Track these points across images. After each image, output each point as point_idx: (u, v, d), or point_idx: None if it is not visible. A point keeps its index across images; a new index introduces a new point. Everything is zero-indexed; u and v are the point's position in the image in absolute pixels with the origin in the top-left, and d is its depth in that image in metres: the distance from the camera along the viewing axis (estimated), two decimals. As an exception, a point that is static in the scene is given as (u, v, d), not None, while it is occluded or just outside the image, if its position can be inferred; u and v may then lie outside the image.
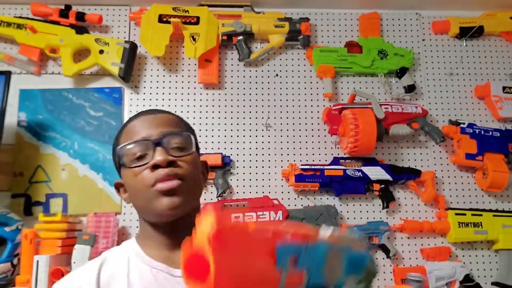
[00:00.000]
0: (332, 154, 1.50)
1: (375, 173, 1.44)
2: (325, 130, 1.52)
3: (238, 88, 1.55)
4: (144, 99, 1.52)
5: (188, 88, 1.54)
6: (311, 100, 1.55)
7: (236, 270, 0.38)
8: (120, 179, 0.74)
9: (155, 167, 0.66)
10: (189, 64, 1.55)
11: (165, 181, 0.65)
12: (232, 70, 1.56)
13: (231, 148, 1.49)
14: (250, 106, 1.53)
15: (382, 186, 1.44)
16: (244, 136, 1.51)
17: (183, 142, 0.70)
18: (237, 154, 1.49)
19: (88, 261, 1.19)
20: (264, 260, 0.39)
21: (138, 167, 0.67)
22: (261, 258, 0.39)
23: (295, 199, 1.46)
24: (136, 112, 0.76)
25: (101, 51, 1.46)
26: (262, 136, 1.51)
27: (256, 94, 1.54)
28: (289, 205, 1.44)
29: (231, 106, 1.53)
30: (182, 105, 1.52)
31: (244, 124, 1.52)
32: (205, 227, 0.39)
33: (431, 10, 1.65)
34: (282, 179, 1.47)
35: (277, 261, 0.39)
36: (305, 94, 1.55)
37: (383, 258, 1.42)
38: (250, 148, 1.50)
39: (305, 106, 1.54)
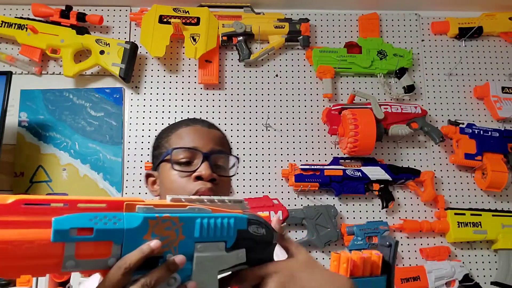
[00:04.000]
0: (331, 154, 1.50)
1: (374, 173, 1.44)
2: (324, 130, 1.52)
3: (238, 88, 1.55)
4: (144, 100, 1.53)
5: (189, 88, 1.54)
6: (311, 100, 1.55)
7: None
8: (155, 170, 0.79)
9: (198, 178, 0.70)
10: (189, 65, 1.56)
11: (205, 194, 0.68)
12: (232, 71, 1.56)
13: (231, 148, 1.49)
14: (250, 106, 1.54)
15: (382, 186, 1.45)
16: (244, 136, 1.51)
17: (226, 163, 0.76)
18: (237, 154, 1.49)
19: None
20: (35, 233, 0.36)
21: (183, 172, 0.71)
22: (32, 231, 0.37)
23: (295, 199, 1.47)
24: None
25: (102, 52, 1.47)
26: (262, 136, 1.52)
27: (256, 94, 1.55)
28: (289, 205, 1.45)
29: (231, 106, 1.53)
30: (182, 105, 1.53)
31: (244, 124, 1.52)
32: None
33: (430, 10, 1.65)
34: (282, 179, 1.48)
35: (53, 233, 0.36)
36: (305, 95, 1.56)
37: (383, 258, 1.43)
38: (250, 148, 1.50)
39: (305, 106, 1.55)
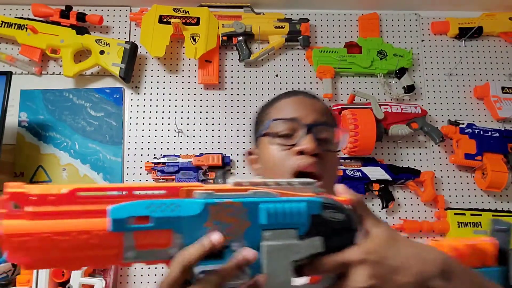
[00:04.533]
0: (331, 154, 1.50)
1: (374, 173, 1.44)
2: (324, 130, 1.52)
3: (238, 89, 1.55)
4: (144, 100, 1.52)
5: (189, 88, 1.54)
6: (311, 100, 1.55)
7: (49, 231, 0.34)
8: (253, 147, 0.74)
9: (300, 152, 0.63)
10: (189, 65, 1.56)
11: (308, 170, 0.62)
12: (232, 71, 1.56)
13: (231, 148, 1.50)
14: (250, 106, 1.54)
15: (382, 186, 1.45)
16: (244, 136, 1.51)
17: (331, 137, 0.67)
18: (237, 154, 1.50)
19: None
20: (91, 223, 0.35)
21: (283, 146, 0.65)
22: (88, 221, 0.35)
23: (295, 199, 1.46)
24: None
25: (102, 52, 1.47)
26: (262, 136, 1.51)
27: (256, 95, 1.55)
28: (289, 205, 1.45)
29: (231, 106, 1.53)
30: (182, 105, 1.53)
31: (244, 124, 1.52)
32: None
33: (430, 10, 1.65)
34: (282, 179, 1.48)
35: (111, 222, 0.35)
36: (305, 95, 1.55)
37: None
38: (250, 148, 1.50)
39: (305, 106, 1.54)
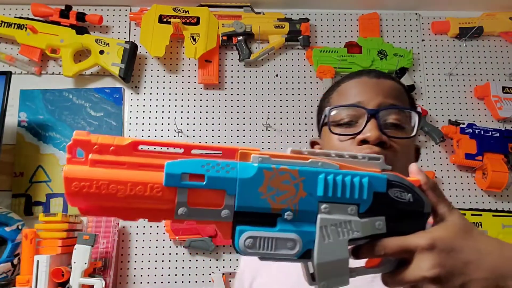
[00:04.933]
0: (332, 154, 1.50)
1: (375, 173, 1.44)
2: (325, 130, 1.52)
3: (238, 88, 1.55)
4: (144, 99, 1.52)
5: (188, 88, 1.54)
6: (311, 100, 1.55)
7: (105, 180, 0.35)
8: (319, 136, 0.69)
9: (363, 141, 0.58)
10: (189, 65, 1.56)
11: None
12: (232, 71, 1.56)
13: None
14: (250, 106, 1.54)
15: (382, 186, 1.44)
16: (244, 136, 1.51)
17: (403, 120, 0.60)
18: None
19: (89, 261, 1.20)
20: (146, 175, 0.36)
21: (343, 135, 0.60)
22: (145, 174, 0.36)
23: (295, 199, 1.46)
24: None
25: (102, 52, 1.47)
26: (262, 136, 1.51)
27: (256, 94, 1.55)
28: (289, 205, 1.44)
29: (231, 106, 1.53)
30: (182, 105, 1.52)
31: (244, 124, 1.52)
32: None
33: (431, 10, 1.65)
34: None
35: (165, 177, 0.36)
36: (305, 94, 1.55)
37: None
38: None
39: (305, 106, 1.54)
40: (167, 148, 0.38)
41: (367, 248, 0.40)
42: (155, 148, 0.37)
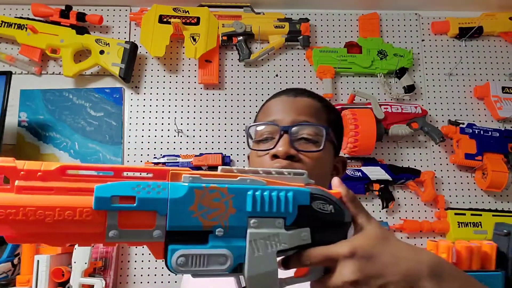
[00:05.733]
0: (332, 154, 1.50)
1: (374, 173, 1.44)
2: (325, 130, 1.52)
3: (238, 88, 1.55)
4: (144, 99, 1.52)
5: (189, 88, 1.54)
6: (311, 100, 1.55)
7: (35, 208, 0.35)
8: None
9: (275, 156, 0.62)
10: (189, 65, 1.56)
11: None
12: (232, 71, 1.56)
13: (231, 148, 1.50)
14: (250, 106, 1.54)
15: (382, 186, 1.45)
16: (244, 136, 1.51)
17: (315, 135, 0.64)
18: (237, 154, 1.50)
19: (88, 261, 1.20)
20: (75, 200, 0.36)
21: (260, 151, 0.65)
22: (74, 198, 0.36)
23: (295, 199, 1.46)
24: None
25: (102, 52, 1.47)
26: (262, 136, 1.51)
27: (256, 94, 1.55)
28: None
29: (231, 106, 1.53)
30: (182, 105, 1.53)
31: (244, 124, 1.52)
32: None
33: (431, 10, 1.65)
34: (282, 179, 1.47)
35: (94, 200, 0.35)
36: (305, 94, 1.55)
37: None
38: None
39: (305, 106, 1.54)
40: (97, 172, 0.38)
41: (295, 259, 0.42)
42: (84, 172, 0.37)
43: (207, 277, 0.39)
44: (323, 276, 0.43)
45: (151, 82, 1.54)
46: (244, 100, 1.54)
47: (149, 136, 1.49)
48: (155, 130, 1.50)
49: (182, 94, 1.54)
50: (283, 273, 0.42)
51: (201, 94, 1.54)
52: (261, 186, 0.41)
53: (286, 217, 0.41)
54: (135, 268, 1.39)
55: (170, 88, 1.54)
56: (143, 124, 1.51)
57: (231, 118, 1.52)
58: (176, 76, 1.55)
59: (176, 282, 1.38)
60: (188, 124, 1.51)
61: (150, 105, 1.52)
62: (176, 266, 0.37)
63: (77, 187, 0.37)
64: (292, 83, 1.56)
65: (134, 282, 1.38)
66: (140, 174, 0.39)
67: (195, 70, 1.55)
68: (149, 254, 1.39)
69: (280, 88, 1.54)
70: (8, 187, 0.36)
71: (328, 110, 0.70)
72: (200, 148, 1.49)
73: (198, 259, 0.38)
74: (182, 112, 1.52)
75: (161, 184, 0.38)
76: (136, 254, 1.40)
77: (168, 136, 1.50)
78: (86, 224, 0.36)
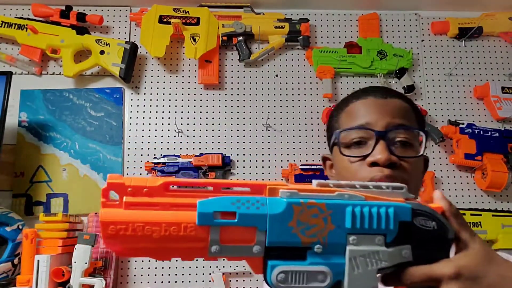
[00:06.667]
0: (331, 154, 1.50)
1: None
2: (324, 130, 1.52)
3: (238, 89, 1.55)
4: (144, 100, 1.53)
5: (189, 88, 1.54)
6: (311, 100, 1.55)
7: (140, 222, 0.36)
8: (330, 153, 0.70)
9: (373, 164, 0.59)
10: (189, 65, 1.56)
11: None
12: (232, 71, 1.56)
13: (231, 148, 1.50)
14: (250, 106, 1.54)
15: (382, 186, 1.45)
16: (244, 136, 1.51)
17: (411, 138, 0.62)
18: (237, 154, 1.50)
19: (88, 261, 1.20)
20: (179, 215, 0.37)
21: (353, 157, 0.61)
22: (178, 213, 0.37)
23: (295, 199, 1.46)
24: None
25: (102, 52, 1.47)
26: (262, 136, 1.52)
27: (256, 94, 1.55)
28: (289, 205, 1.45)
29: (231, 106, 1.54)
30: (182, 105, 1.53)
31: (244, 124, 1.52)
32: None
33: (430, 10, 1.65)
34: (282, 179, 1.48)
35: (198, 216, 0.36)
36: (305, 95, 1.56)
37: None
38: (250, 148, 1.50)
39: (305, 106, 1.55)
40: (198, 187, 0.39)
41: (394, 276, 0.40)
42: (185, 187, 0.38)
43: None
44: None
45: (151, 82, 1.54)
46: (244, 100, 1.54)
47: (149, 136, 1.49)
48: (155, 130, 1.51)
49: (182, 94, 1.54)
50: None
51: (201, 94, 1.54)
52: (360, 202, 0.39)
53: (387, 234, 0.39)
54: (135, 268, 1.39)
55: (170, 88, 1.54)
56: (143, 124, 1.51)
57: (231, 118, 1.52)
58: (176, 76, 1.55)
59: (176, 282, 1.38)
60: (188, 124, 1.51)
61: (150, 105, 1.52)
62: (276, 283, 0.37)
63: (180, 202, 0.37)
64: (292, 83, 1.56)
65: (134, 282, 1.38)
66: (238, 189, 0.39)
67: (195, 70, 1.55)
68: (149, 254, 1.39)
69: (280, 89, 1.55)
70: (117, 203, 0.37)
71: (416, 110, 0.68)
72: (200, 148, 1.49)
73: (298, 275, 0.38)
74: (182, 112, 1.52)
75: (259, 200, 0.38)
76: (136, 254, 1.40)
77: (168, 136, 1.50)
78: (189, 239, 0.37)
